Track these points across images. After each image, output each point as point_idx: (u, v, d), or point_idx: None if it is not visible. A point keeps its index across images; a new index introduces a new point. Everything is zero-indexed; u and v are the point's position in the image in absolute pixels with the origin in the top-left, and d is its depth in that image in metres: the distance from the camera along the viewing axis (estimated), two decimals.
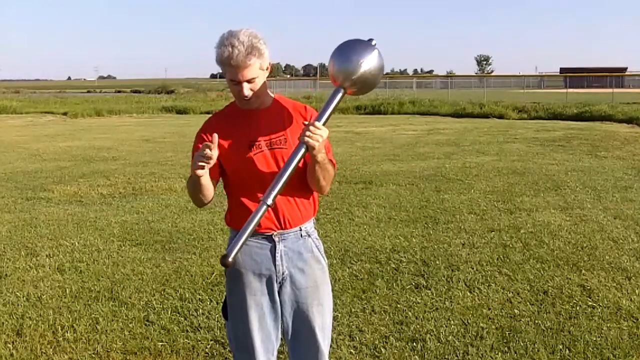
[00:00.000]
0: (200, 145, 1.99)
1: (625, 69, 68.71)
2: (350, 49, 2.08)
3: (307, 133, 1.97)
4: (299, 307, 2.22)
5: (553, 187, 7.87)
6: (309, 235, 2.23)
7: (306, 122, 2.04)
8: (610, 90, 29.86)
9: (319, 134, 1.98)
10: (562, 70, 71.88)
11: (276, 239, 2.16)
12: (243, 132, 2.13)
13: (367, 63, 2.06)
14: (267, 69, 2.09)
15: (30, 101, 35.34)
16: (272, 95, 2.19)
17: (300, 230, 2.20)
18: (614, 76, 41.35)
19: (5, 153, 12.35)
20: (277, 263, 2.17)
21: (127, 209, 6.89)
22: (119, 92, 67.99)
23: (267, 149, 2.11)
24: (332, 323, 2.35)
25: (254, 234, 2.06)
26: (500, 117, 21.69)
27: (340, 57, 2.08)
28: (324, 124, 2.02)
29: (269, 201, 1.98)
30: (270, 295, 2.20)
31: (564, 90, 29.90)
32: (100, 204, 7.17)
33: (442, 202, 7.02)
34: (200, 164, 1.95)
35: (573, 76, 41.71)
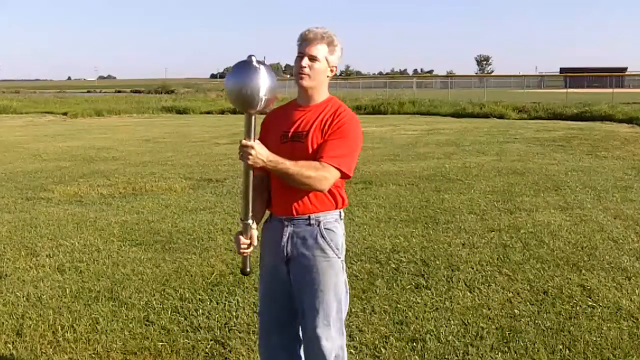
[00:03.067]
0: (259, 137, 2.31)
1: (625, 69, 68.78)
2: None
3: (240, 152, 2.16)
4: (301, 289, 2.35)
5: (553, 187, 7.87)
6: (319, 225, 2.33)
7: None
8: (610, 90, 29.84)
9: (246, 151, 2.14)
10: (562, 70, 71.95)
11: (286, 222, 2.34)
12: (283, 123, 2.33)
13: (226, 85, 2.12)
14: (330, 69, 2.31)
15: (30, 101, 35.34)
16: (328, 96, 2.37)
17: (309, 218, 2.32)
18: (614, 76, 41.34)
19: (5, 153, 12.35)
20: (282, 244, 2.34)
21: (127, 209, 6.89)
22: (119, 92, 67.95)
23: (290, 140, 2.30)
24: (340, 339, 2.39)
25: (275, 216, 2.38)
26: (500, 117, 21.70)
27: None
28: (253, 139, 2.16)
29: (248, 220, 2.28)
30: (278, 271, 2.38)
31: (564, 90, 29.91)
32: (100, 204, 7.17)
33: (442, 202, 7.02)
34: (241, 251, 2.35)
35: (573, 76, 41.70)
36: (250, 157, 2.13)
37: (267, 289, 2.45)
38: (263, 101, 2.07)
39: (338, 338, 2.36)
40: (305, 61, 2.25)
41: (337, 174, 2.25)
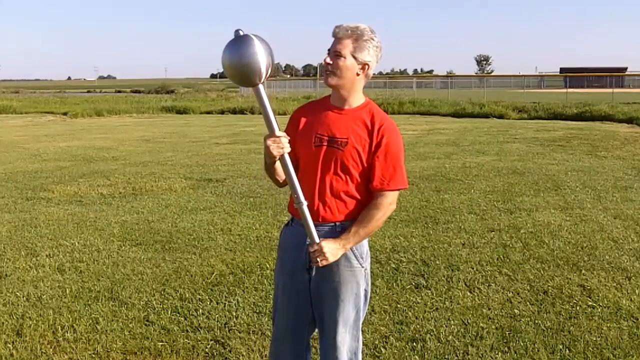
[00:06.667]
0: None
1: (625, 69, 68.81)
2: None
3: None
4: (321, 297, 2.31)
5: (553, 187, 7.87)
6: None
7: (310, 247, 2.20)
8: (610, 90, 29.90)
9: (319, 254, 2.17)
10: (562, 70, 71.94)
11: None
12: (316, 123, 2.24)
13: (225, 62, 2.05)
14: (361, 68, 2.19)
15: (30, 101, 35.34)
16: (364, 100, 2.28)
17: (335, 226, 2.25)
18: (614, 76, 41.40)
19: (5, 153, 12.35)
20: (305, 251, 2.27)
21: (127, 209, 6.89)
22: (119, 92, 68.01)
23: (326, 145, 2.22)
24: (356, 345, 2.40)
25: (299, 220, 2.26)
26: (500, 117, 21.70)
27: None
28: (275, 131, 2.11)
29: (302, 202, 2.17)
30: (298, 278, 2.31)
31: (564, 90, 29.94)
32: (100, 204, 7.17)
33: (442, 202, 7.02)
34: (276, 151, 2.11)
35: (573, 76, 41.75)
36: (325, 258, 2.16)
37: (284, 294, 2.37)
38: (265, 68, 2.04)
39: (353, 344, 2.36)
40: (329, 58, 2.17)
41: (397, 193, 2.25)
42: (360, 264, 2.31)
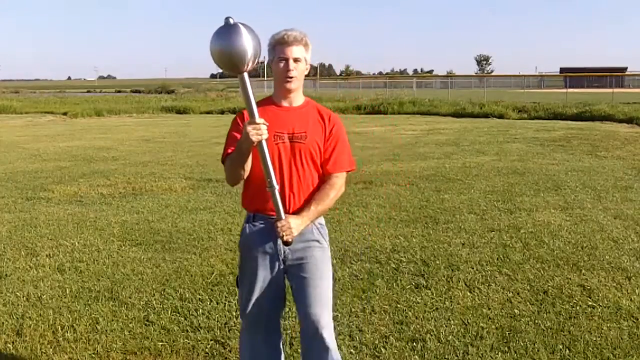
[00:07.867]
0: (235, 131, 2.37)
1: (625, 69, 68.80)
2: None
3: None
4: (302, 279, 2.42)
5: (553, 187, 7.87)
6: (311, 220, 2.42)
7: (278, 224, 2.32)
8: (610, 90, 29.88)
9: (287, 229, 2.29)
10: (562, 70, 71.92)
11: None
12: (270, 124, 2.30)
13: (213, 48, 2.11)
14: (306, 69, 2.41)
15: (30, 101, 35.39)
16: (305, 98, 2.49)
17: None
18: (614, 76, 41.35)
19: (5, 153, 12.35)
20: (279, 241, 2.39)
21: (127, 209, 6.89)
22: (119, 92, 68.06)
23: (288, 141, 2.39)
24: (333, 323, 2.48)
25: (263, 215, 2.42)
26: (500, 117, 21.70)
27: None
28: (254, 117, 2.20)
29: (275, 184, 2.29)
30: (273, 270, 2.43)
31: (564, 90, 29.89)
32: (100, 204, 7.17)
33: (442, 202, 7.02)
34: (255, 137, 2.17)
35: (573, 76, 41.68)
36: (290, 232, 2.29)
37: (259, 285, 2.44)
38: (251, 57, 2.10)
39: (331, 325, 2.46)
40: (292, 64, 2.33)
41: (346, 175, 2.49)
42: (327, 243, 2.51)
